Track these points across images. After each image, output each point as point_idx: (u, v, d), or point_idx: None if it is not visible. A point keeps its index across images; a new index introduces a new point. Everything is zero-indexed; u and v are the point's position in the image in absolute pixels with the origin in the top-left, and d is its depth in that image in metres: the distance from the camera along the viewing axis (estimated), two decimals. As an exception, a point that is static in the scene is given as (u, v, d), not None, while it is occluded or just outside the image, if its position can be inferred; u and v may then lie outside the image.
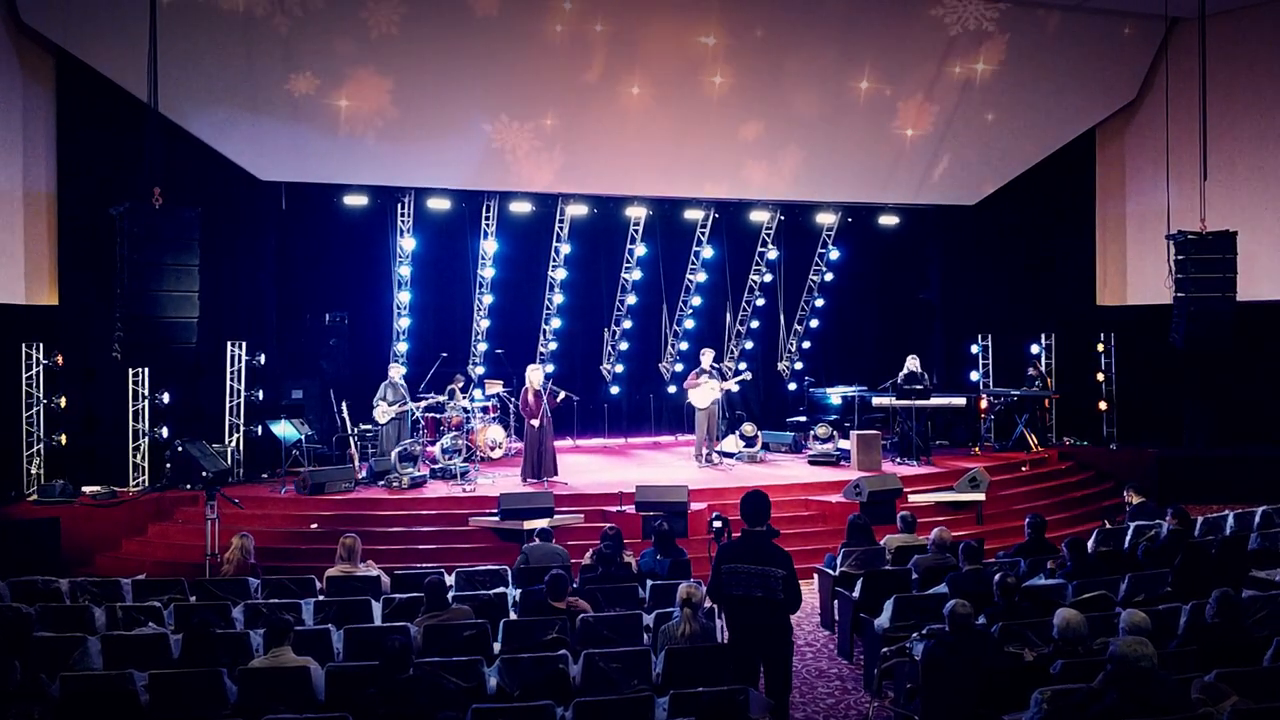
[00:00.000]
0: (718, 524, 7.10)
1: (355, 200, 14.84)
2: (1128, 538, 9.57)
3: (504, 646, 6.76)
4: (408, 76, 13.45)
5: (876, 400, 15.00)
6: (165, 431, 13.01)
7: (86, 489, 12.30)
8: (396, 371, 14.06)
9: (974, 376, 16.77)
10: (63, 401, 12.64)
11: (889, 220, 17.10)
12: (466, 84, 13.67)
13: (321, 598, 8.08)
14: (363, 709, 5.45)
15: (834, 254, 17.69)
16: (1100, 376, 16.24)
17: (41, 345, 12.60)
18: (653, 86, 14.28)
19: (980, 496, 12.34)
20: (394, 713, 5.39)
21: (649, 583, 8.00)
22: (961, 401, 15.25)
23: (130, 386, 12.84)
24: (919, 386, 14.34)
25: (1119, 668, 4.79)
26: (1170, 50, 14.93)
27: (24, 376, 12.48)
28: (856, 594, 8.26)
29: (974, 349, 16.82)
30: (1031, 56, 15.20)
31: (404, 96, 13.55)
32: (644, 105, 14.39)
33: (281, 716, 5.46)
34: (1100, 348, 16.29)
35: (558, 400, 13.28)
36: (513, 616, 7.44)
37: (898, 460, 14.31)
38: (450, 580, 8.55)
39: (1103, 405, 16.16)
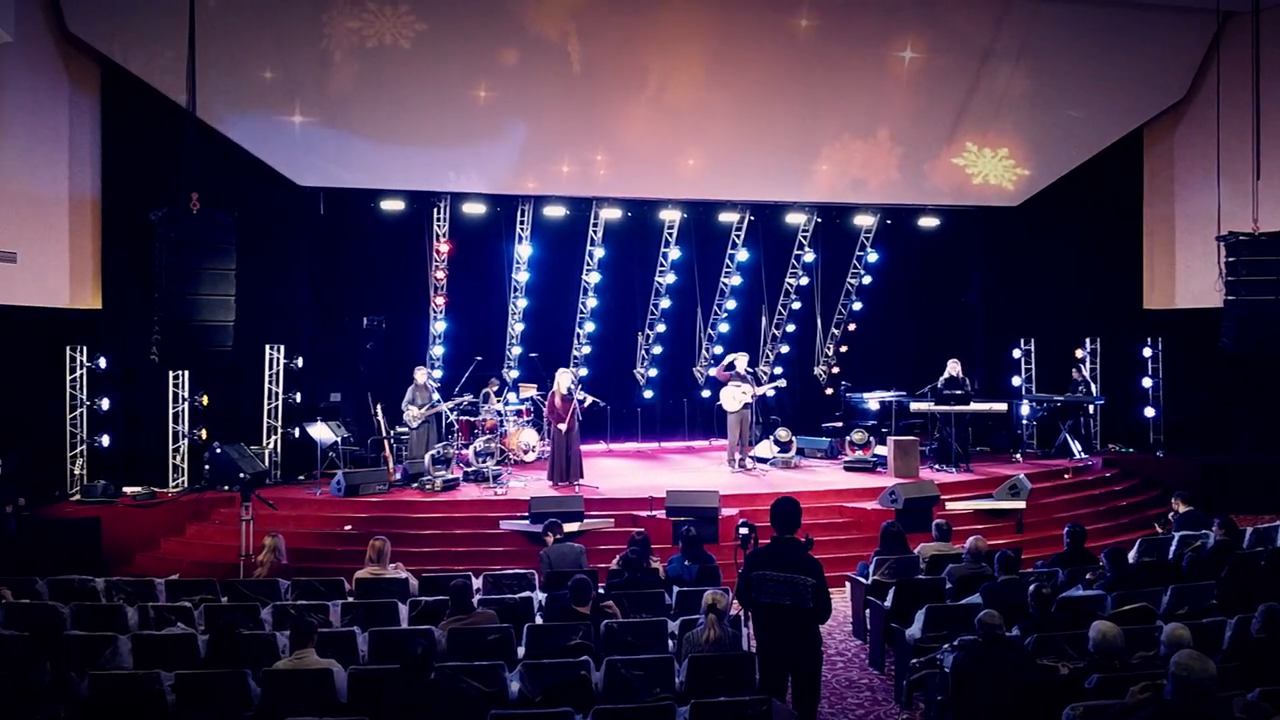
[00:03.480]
0: (744, 531, 7.00)
1: (392, 205, 14.95)
2: (1172, 548, 9.32)
3: (528, 651, 6.72)
4: (443, 81, 13.51)
5: (915, 406, 14.75)
6: (204, 433, 13.18)
7: (127, 489, 12.49)
8: (422, 374, 14.09)
9: (1016, 381, 16.48)
10: (105, 403, 12.84)
11: (929, 222, 16.87)
12: (502, 88, 13.70)
13: (350, 599, 8.10)
14: (383, 713, 5.43)
15: (872, 256, 17.48)
16: (1147, 382, 15.87)
17: (85, 348, 12.81)
18: (688, 89, 14.21)
19: (1020, 505, 12.11)
20: (413, 717, 5.36)
21: (675, 589, 7.92)
22: (1003, 407, 14.95)
23: (170, 389, 13.02)
24: (959, 391, 14.10)
25: (1175, 683, 4.59)
26: (1222, 46, 14.54)
27: (68, 379, 12.70)
28: (888, 603, 8.11)
29: (1016, 353, 16.52)
30: (1077, 53, 14.92)
31: (439, 100, 13.61)
32: (679, 108, 14.33)
33: (302, 718, 5.45)
34: (1147, 352, 15.93)
35: (584, 405, 13.24)
36: (538, 621, 7.40)
37: (936, 467, 14.08)
38: (478, 583, 8.56)
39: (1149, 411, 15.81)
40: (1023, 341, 16.46)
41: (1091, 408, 15.83)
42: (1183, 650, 4.82)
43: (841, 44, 14.35)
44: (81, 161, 12.89)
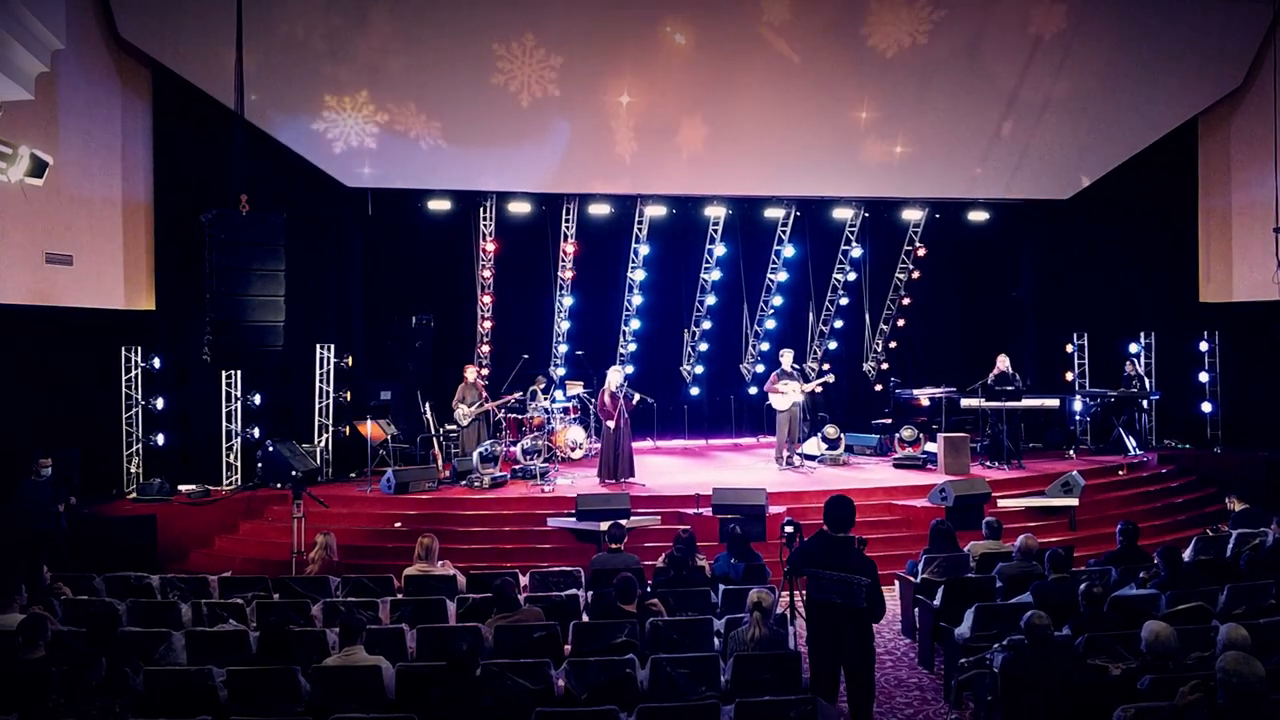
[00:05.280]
0: (789, 529, 6.94)
1: (439, 205, 15.08)
2: (1229, 546, 9.11)
3: (574, 649, 6.74)
4: (488, 80, 13.57)
5: (965, 402, 14.55)
6: (257, 432, 13.39)
7: (182, 487, 12.72)
8: (472, 373, 14.17)
9: (1069, 377, 16.20)
10: (160, 403, 13.09)
11: (979, 216, 16.64)
12: (547, 88, 13.73)
13: (399, 596, 8.18)
14: (429, 709, 5.48)
15: (921, 251, 17.27)
16: (1204, 376, 15.52)
17: (140, 349, 13.06)
18: (730, 83, 14.14)
19: (1073, 502, 11.90)
20: (459, 713, 5.39)
21: (721, 587, 7.89)
22: (1055, 403, 14.71)
23: (223, 388, 13.24)
24: (1010, 387, 13.90)
25: (1224, 687, 4.50)
26: (1279, 33, 14.17)
27: (124, 379, 12.96)
28: (937, 602, 8.02)
29: (1069, 348, 16.25)
30: (1130, 42, 14.61)
31: (484, 100, 13.68)
32: (720, 103, 14.27)
33: (351, 715, 5.52)
34: (1204, 346, 15.57)
35: (634, 403, 13.23)
36: (584, 619, 7.42)
37: (988, 464, 13.89)
38: (525, 581, 8.60)
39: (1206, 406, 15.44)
40: (1075, 336, 16.20)
41: (1146, 403, 15.52)
42: (1228, 653, 4.70)
43: (885, 39, 14.18)
44: (134, 165, 13.14)
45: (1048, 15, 14.25)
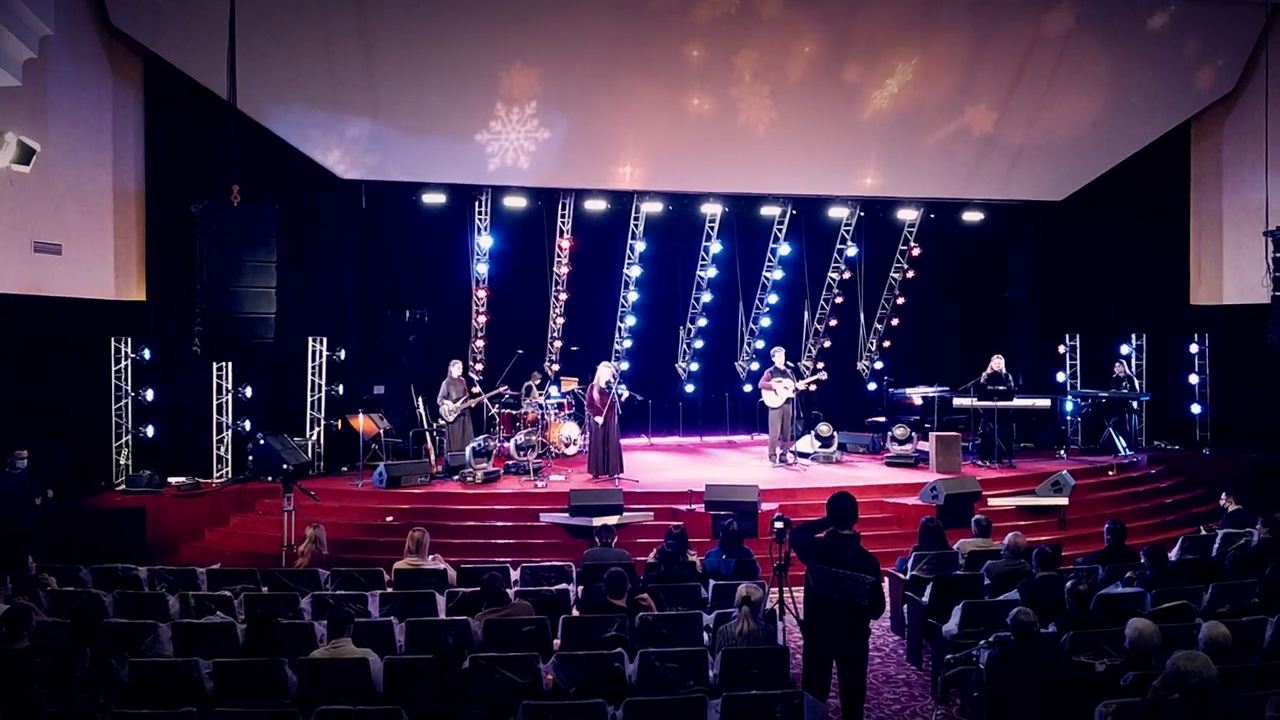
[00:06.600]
0: (779, 525, 6.95)
1: (434, 198, 15.03)
2: (1215, 546, 9.15)
3: (563, 643, 6.73)
4: (483, 75, 13.54)
5: (958, 401, 14.56)
6: (248, 424, 13.34)
7: (172, 480, 12.67)
8: (457, 368, 14.06)
9: (1061, 377, 16.24)
10: (150, 394, 13.03)
11: (973, 216, 16.68)
12: (542, 81, 13.70)
13: (388, 590, 8.16)
14: (416, 702, 5.47)
15: (916, 251, 17.30)
16: (1194, 378, 15.56)
17: (130, 340, 13.00)
18: (725, 83, 14.13)
19: (1063, 501, 11.94)
20: (446, 707, 5.39)
21: (712, 583, 7.90)
22: (1046, 403, 14.74)
23: (214, 380, 13.18)
24: (1002, 387, 13.93)
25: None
26: (1270, 38, 14.23)
27: (113, 370, 12.91)
28: (926, 599, 8.05)
29: (1061, 349, 16.28)
30: (1123, 47, 14.64)
31: (478, 95, 13.64)
32: (717, 102, 14.25)
33: (337, 707, 5.50)
34: (1194, 348, 15.62)
35: (622, 399, 13.20)
36: (575, 613, 7.41)
37: (979, 463, 13.91)
38: (516, 575, 8.59)
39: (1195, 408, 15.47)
40: (1067, 337, 16.23)
41: (1137, 404, 15.55)
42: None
43: (886, 44, 14.20)
44: (125, 154, 13.07)
45: (1044, 21, 14.26)
